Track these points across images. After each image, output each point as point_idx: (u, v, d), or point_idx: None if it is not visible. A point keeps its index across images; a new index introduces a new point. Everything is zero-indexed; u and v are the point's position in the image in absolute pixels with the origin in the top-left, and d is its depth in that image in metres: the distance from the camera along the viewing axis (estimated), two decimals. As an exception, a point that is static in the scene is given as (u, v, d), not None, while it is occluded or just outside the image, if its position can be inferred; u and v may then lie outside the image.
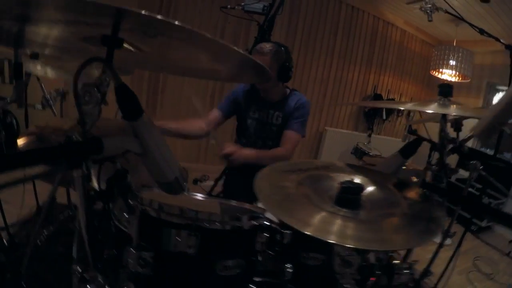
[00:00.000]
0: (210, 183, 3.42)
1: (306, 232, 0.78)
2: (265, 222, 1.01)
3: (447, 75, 5.13)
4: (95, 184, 1.04)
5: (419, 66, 5.99)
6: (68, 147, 0.63)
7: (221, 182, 2.65)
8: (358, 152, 4.67)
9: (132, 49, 0.79)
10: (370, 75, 5.54)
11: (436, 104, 1.42)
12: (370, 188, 1.04)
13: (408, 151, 1.35)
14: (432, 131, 3.05)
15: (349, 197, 0.95)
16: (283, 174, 1.08)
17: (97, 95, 0.69)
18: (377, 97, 5.59)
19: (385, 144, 5.11)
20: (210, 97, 4.33)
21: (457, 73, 4.96)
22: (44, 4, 0.57)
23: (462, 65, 4.89)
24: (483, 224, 4.23)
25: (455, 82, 5.15)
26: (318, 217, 0.88)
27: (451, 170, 1.59)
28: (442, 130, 1.50)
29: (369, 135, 5.27)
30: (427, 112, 2.83)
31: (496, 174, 2.10)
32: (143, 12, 0.54)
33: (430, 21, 2.54)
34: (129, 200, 0.98)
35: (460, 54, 4.89)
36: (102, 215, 1.03)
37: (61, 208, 2.29)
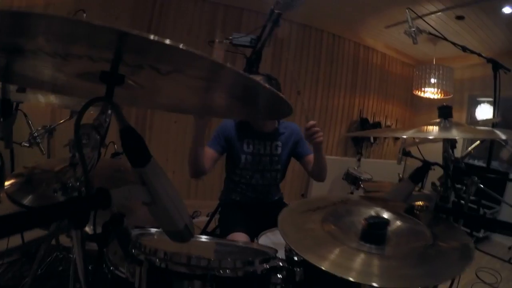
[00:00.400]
0: (202, 219, 3.32)
1: (350, 278, 0.71)
2: (279, 263, 0.94)
3: (430, 93, 5.22)
4: (88, 228, 0.95)
5: (402, 87, 6.10)
6: (73, 204, 0.54)
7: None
8: (350, 177, 4.65)
9: (135, 86, 0.72)
10: (355, 100, 5.60)
11: (437, 128, 1.39)
12: (393, 220, 0.98)
13: (417, 176, 1.30)
14: (426, 151, 3.05)
15: (376, 233, 0.89)
16: (304, 215, 1.01)
17: (96, 138, 0.62)
18: (363, 121, 5.63)
19: (375, 167, 5.12)
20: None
21: (439, 90, 5.05)
22: (35, 32, 0.49)
23: (444, 82, 5.00)
24: (481, 234, 4.29)
25: (438, 99, 5.25)
26: (350, 257, 0.81)
27: (456, 190, 1.56)
28: (446, 151, 1.47)
29: (359, 159, 5.27)
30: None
31: (488, 184, 2.11)
32: (152, 37, 0.44)
33: (415, 43, 2.58)
34: (131, 249, 0.89)
35: (440, 72, 5.00)
36: (97, 259, 0.94)
37: (48, 249, 2.16)
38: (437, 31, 2.67)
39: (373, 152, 5.89)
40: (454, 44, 2.67)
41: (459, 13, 4.10)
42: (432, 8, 4.11)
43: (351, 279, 0.73)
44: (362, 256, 0.82)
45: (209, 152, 2.05)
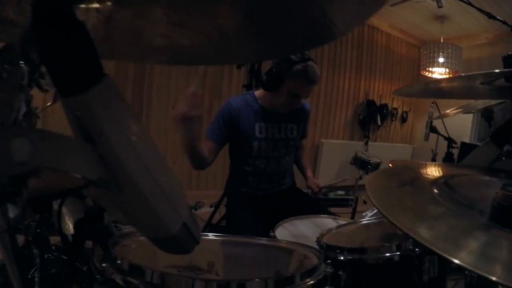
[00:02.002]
0: (206, 210, 3.10)
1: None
2: (327, 270, 0.67)
3: (438, 73, 4.98)
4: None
5: (407, 69, 5.88)
6: None
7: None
8: (358, 162, 4.40)
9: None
10: (360, 82, 5.36)
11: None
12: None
13: (502, 137, 1.00)
14: (450, 127, 2.82)
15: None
16: (403, 191, 0.73)
17: (23, 70, 0.29)
18: (370, 103, 5.40)
19: (383, 150, 4.89)
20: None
21: (448, 70, 4.82)
22: None
23: (453, 61, 4.78)
24: None
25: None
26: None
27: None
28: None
29: (366, 143, 5.03)
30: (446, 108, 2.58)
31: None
32: None
33: (440, 7, 2.32)
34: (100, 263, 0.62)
35: (449, 50, 4.79)
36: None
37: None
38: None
39: (380, 135, 5.66)
40: (480, 10, 2.45)
41: (467, -10, 3.86)
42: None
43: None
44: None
45: (209, 145, 1.72)
